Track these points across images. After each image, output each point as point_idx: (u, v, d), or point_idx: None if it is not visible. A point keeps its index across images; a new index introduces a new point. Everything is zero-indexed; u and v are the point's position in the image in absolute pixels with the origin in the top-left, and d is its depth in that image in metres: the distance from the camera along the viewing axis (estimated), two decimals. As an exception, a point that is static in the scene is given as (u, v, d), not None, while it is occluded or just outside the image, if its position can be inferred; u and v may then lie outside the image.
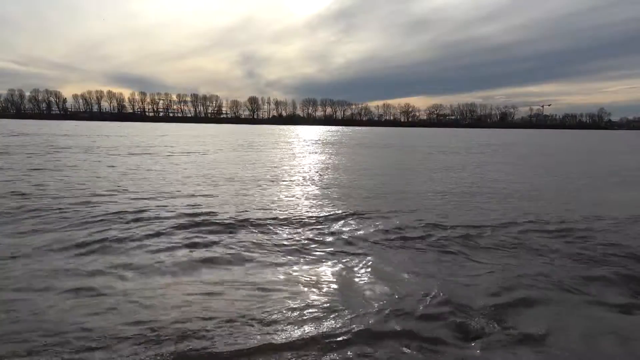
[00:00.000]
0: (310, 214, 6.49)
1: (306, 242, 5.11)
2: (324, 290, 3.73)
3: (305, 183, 9.97)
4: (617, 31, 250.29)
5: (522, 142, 37.89)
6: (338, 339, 2.93)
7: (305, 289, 3.74)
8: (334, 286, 3.83)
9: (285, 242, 5.07)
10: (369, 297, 3.59)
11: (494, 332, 3.06)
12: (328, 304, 3.42)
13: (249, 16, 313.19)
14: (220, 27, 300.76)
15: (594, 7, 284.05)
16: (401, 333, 3.02)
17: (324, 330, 3.03)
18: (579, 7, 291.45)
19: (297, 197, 8.01)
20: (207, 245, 4.90)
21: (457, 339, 2.96)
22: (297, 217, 6.27)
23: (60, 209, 6.39)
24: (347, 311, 3.31)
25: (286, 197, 8.05)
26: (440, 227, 5.84)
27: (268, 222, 5.97)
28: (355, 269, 4.28)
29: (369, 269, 4.26)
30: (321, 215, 6.44)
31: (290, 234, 5.46)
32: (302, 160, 16.09)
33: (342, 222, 6.08)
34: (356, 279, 4.01)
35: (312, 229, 5.67)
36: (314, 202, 7.55)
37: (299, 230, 5.64)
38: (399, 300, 3.53)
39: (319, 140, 34.45)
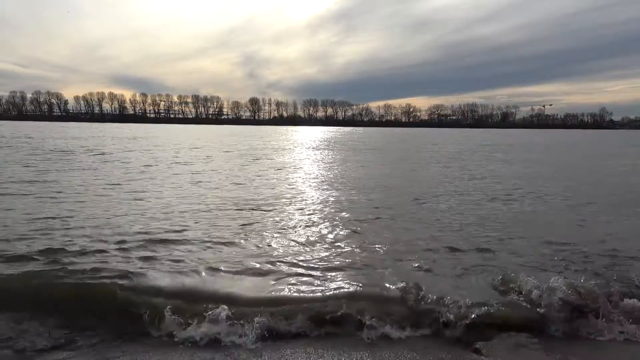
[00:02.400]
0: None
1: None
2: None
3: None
4: (618, 31, 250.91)
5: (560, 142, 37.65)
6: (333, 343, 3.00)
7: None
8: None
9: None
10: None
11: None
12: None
13: (249, 17, 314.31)
14: (221, 28, 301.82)
15: (595, 7, 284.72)
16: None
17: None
18: (580, 6, 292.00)
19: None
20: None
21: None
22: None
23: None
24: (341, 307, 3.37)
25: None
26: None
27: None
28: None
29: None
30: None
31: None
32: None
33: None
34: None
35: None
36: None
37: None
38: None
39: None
